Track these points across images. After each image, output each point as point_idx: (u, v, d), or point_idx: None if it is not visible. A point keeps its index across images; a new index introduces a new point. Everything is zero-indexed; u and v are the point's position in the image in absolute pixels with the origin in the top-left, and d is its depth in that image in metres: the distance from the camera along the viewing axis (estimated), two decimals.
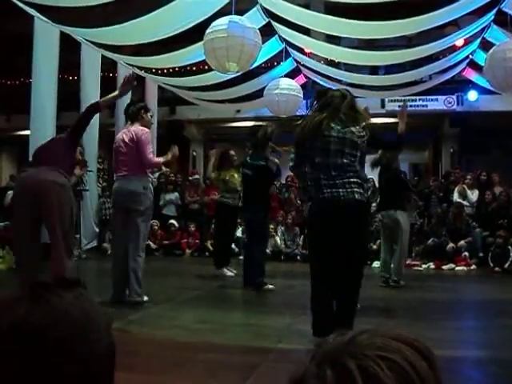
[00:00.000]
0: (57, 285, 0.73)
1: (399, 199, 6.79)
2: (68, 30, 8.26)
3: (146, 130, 5.22)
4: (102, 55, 9.49)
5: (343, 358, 0.57)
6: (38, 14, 7.72)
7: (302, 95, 9.46)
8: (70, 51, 8.58)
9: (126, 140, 5.14)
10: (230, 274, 7.33)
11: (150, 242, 10.25)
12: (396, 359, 0.57)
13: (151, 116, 5.52)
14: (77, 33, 8.52)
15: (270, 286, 6.22)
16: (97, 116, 9.62)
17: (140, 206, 5.04)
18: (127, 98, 10.71)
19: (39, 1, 7.01)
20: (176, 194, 11.39)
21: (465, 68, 10.82)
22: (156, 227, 10.59)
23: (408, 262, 9.06)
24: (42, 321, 0.67)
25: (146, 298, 5.08)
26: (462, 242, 9.27)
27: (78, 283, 0.76)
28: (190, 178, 12.09)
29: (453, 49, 10.29)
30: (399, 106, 12.27)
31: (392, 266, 6.74)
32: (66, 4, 7.46)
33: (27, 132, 8.49)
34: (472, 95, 12.07)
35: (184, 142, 14.72)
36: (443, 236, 9.45)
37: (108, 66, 10.83)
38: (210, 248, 10.04)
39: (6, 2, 6.85)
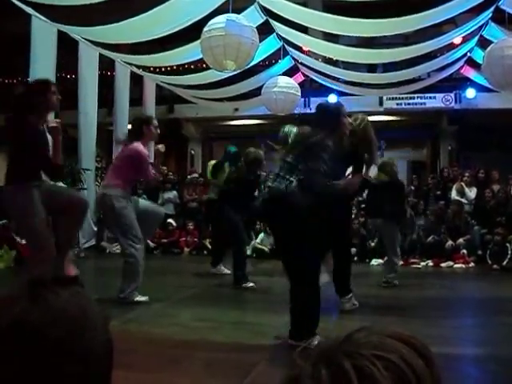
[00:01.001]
0: (54, 282, 0.72)
1: (388, 208, 6.46)
2: (65, 28, 8.24)
3: (140, 149, 5.10)
4: (100, 53, 9.47)
5: (338, 358, 0.56)
6: (36, 13, 7.69)
7: (299, 93, 9.47)
8: (67, 50, 8.56)
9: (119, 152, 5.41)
10: (226, 271, 7.30)
11: (149, 241, 10.23)
12: (392, 358, 0.56)
13: (156, 127, 5.39)
14: (74, 31, 8.50)
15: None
16: (94, 115, 9.68)
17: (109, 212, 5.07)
18: (125, 96, 10.79)
19: None
20: (174, 192, 11.37)
21: (463, 66, 10.83)
22: None
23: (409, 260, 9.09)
24: (41, 319, 0.67)
25: (144, 299, 5.07)
26: (460, 240, 9.27)
27: (75, 281, 0.76)
28: (189, 177, 12.08)
29: (451, 46, 10.29)
30: (397, 104, 12.32)
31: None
32: (63, 2, 7.44)
33: None
34: (470, 93, 12.06)
35: (182, 141, 14.74)
36: (442, 233, 9.46)
37: (106, 65, 10.81)
38: (209, 246, 10.03)
39: (3, 1, 6.82)
